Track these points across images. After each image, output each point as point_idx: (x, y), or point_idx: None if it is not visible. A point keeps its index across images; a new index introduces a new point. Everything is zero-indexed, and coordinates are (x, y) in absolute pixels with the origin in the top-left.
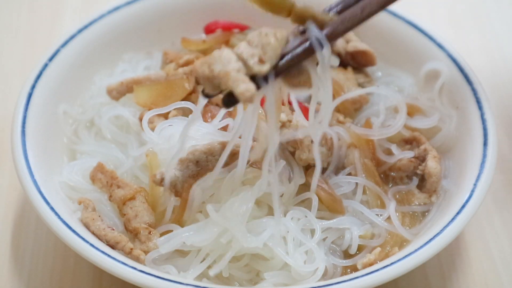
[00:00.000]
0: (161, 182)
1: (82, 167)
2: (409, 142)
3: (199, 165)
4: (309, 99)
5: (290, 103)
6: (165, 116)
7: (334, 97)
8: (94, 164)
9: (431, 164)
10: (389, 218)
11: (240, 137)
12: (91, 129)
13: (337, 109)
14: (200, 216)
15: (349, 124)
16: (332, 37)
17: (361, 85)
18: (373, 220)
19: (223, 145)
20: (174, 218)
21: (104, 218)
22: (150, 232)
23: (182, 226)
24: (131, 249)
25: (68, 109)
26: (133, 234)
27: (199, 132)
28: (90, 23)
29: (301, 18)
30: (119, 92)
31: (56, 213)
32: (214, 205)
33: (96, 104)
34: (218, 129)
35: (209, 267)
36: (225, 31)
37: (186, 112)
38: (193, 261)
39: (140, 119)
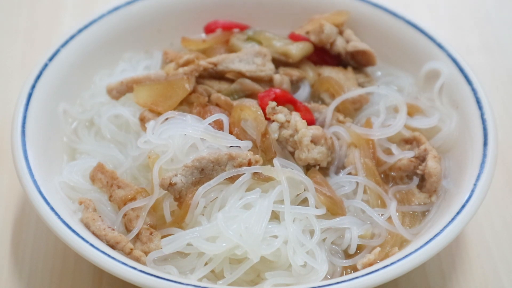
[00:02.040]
0: (168, 186)
1: (82, 167)
2: (409, 142)
3: (203, 173)
4: (309, 98)
5: (289, 102)
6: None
7: (334, 97)
8: (94, 164)
9: (431, 164)
10: (389, 218)
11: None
12: (91, 128)
13: (337, 109)
14: (202, 219)
15: (349, 124)
16: None
17: (361, 85)
18: (374, 219)
19: (230, 156)
20: (174, 221)
21: (105, 218)
22: (152, 233)
23: (183, 229)
24: (131, 249)
25: (68, 108)
26: (135, 234)
27: (196, 131)
28: (90, 23)
29: None
30: (119, 92)
31: (56, 213)
32: (225, 213)
33: (95, 103)
34: (212, 126)
35: (212, 271)
36: (225, 31)
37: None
38: (197, 263)
39: (140, 119)
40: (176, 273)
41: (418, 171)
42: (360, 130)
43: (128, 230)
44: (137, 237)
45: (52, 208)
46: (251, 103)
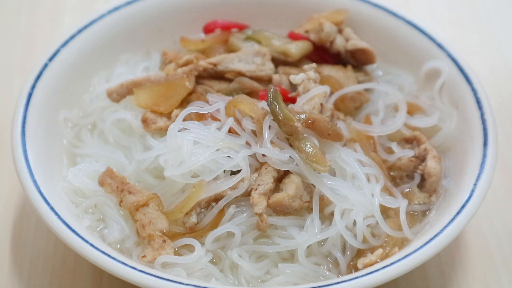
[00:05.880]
0: (190, 228)
1: (87, 171)
2: (409, 141)
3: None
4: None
5: (289, 100)
6: (167, 116)
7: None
8: (99, 168)
9: (431, 164)
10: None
11: None
12: (93, 131)
13: (338, 108)
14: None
15: (350, 120)
16: None
17: (361, 83)
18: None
19: None
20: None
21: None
22: (165, 240)
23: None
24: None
25: (68, 115)
26: (147, 240)
27: (208, 137)
28: (90, 23)
29: None
30: (120, 94)
31: (56, 213)
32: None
33: (97, 108)
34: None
35: (213, 262)
36: (224, 31)
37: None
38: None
39: (143, 121)
40: (184, 275)
41: (418, 171)
42: (360, 126)
43: (139, 235)
44: (149, 243)
45: (52, 208)
46: (245, 97)
